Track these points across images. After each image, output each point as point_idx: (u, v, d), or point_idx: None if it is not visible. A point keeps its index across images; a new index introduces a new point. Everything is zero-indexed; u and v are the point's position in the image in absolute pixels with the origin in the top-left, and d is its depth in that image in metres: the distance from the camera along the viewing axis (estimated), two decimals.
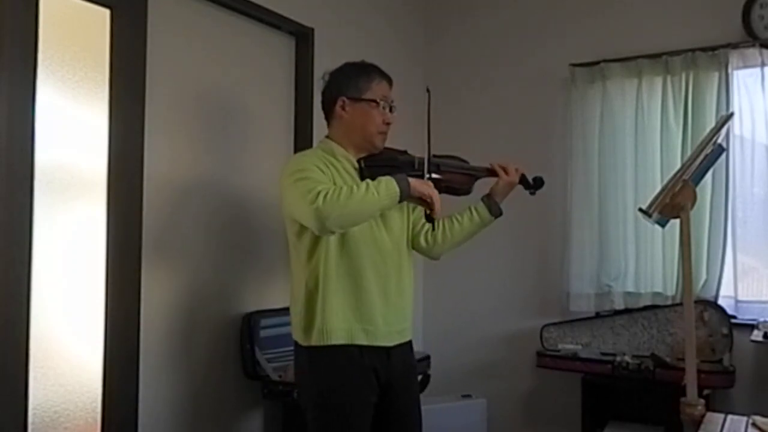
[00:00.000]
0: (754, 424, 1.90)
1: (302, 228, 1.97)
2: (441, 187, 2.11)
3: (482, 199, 2.25)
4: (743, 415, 2.00)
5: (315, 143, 3.06)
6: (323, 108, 2.16)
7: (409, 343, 2.17)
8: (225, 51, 2.73)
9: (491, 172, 2.25)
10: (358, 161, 2.08)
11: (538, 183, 2.31)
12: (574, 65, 3.48)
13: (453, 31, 3.94)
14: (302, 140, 3.06)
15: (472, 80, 3.83)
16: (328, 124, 2.15)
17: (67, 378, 2.14)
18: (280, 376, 2.64)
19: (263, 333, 2.70)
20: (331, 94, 2.11)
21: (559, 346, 3.37)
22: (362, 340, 2.00)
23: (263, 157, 2.92)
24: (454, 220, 2.25)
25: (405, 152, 2.18)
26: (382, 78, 2.12)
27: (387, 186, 1.87)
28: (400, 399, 2.11)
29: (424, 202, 1.95)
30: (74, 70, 2.17)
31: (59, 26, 2.12)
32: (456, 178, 2.19)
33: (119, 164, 2.26)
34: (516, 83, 3.73)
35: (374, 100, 2.08)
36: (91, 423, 2.20)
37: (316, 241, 1.98)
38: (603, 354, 3.23)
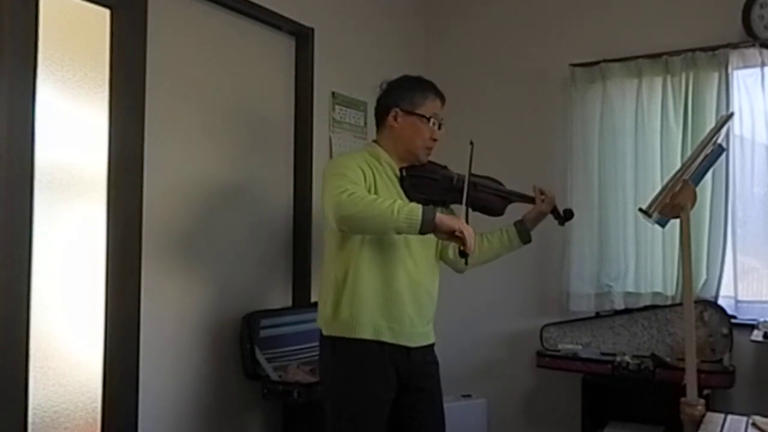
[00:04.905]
0: (754, 424, 1.90)
1: None
2: (477, 205, 2.21)
3: (514, 224, 2.31)
4: (743, 415, 2.00)
5: (315, 144, 3.08)
6: (376, 115, 2.23)
7: (431, 345, 2.21)
8: (225, 51, 2.73)
9: (526, 199, 2.31)
10: (400, 170, 2.14)
11: (568, 215, 2.36)
12: (574, 65, 3.47)
13: (453, 32, 3.94)
14: (302, 140, 3.06)
15: (473, 80, 3.82)
16: (377, 131, 2.22)
17: (67, 378, 2.14)
18: (280, 376, 2.63)
19: (263, 333, 2.70)
20: (387, 103, 2.18)
21: (559, 346, 3.37)
22: (387, 338, 2.04)
23: (263, 157, 2.92)
24: (485, 239, 2.31)
25: (446, 167, 2.25)
26: (436, 96, 2.18)
27: (410, 210, 1.85)
28: (420, 399, 2.14)
29: (455, 237, 1.87)
30: (74, 70, 2.17)
31: (59, 26, 2.11)
32: (491, 198, 2.28)
33: (119, 164, 2.26)
34: (516, 83, 3.73)
35: (426, 116, 2.14)
36: (91, 423, 2.20)
37: (347, 235, 2.02)
38: (603, 354, 3.23)
